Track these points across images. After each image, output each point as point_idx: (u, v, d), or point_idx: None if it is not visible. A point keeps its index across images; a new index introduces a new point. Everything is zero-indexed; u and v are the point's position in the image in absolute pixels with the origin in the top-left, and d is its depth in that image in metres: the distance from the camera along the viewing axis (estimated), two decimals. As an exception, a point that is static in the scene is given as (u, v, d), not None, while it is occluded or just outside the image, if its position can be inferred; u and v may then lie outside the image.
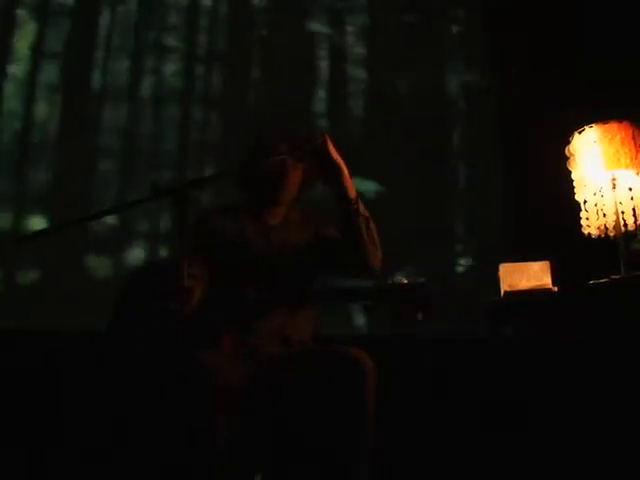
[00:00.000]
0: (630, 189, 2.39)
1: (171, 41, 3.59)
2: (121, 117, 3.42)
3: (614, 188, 2.39)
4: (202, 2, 3.68)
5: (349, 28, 3.84)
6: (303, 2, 3.83)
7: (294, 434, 1.93)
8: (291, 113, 3.33)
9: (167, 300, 1.72)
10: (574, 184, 2.47)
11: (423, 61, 3.87)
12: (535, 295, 2.31)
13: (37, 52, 3.42)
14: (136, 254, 3.20)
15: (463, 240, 3.65)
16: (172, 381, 1.76)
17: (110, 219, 3.17)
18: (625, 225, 2.36)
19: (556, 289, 2.32)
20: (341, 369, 1.83)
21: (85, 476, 2.68)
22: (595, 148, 2.38)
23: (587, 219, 2.44)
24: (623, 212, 2.37)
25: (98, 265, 3.17)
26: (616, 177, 2.39)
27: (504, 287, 2.37)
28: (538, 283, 2.33)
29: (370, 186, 3.45)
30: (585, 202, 2.45)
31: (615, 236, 2.35)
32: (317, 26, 3.79)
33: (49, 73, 3.40)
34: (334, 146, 1.97)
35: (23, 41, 3.41)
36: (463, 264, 3.57)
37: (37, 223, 3.06)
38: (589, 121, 2.44)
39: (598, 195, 2.43)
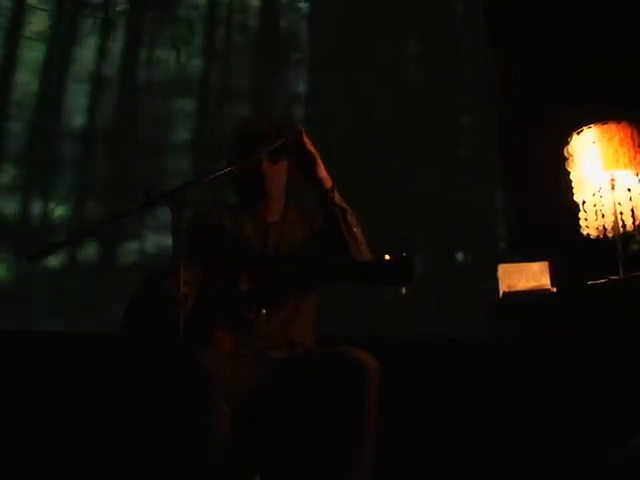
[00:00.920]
0: (629, 190, 2.39)
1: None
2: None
3: (613, 189, 2.39)
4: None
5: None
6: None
7: (295, 435, 1.94)
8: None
9: (165, 309, 1.76)
10: (573, 185, 2.48)
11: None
12: (534, 296, 2.31)
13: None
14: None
15: (463, 240, 3.66)
16: (173, 381, 1.77)
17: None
18: (624, 226, 2.36)
19: (555, 290, 2.32)
20: (343, 370, 1.83)
21: (86, 476, 2.69)
22: (594, 149, 2.39)
23: (586, 220, 2.44)
24: (622, 213, 2.38)
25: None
26: (615, 178, 2.39)
27: (503, 288, 2.37)
28: (537, 284, 2.33)
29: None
30: (584, 203, 2.46)
31: (614, 237, 2.36)
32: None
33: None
34: (309, 138, 1.99)
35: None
36: (462, 264, 3.58)
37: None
38: (588, 122, 2.44)
39: (597, 196, 2.43)
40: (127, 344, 2.04)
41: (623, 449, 2.19)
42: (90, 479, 2.68)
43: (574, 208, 2.48)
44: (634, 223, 2.36)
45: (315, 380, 1.88)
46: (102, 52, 3.46)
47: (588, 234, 2.44)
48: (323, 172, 2.00)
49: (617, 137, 2.37)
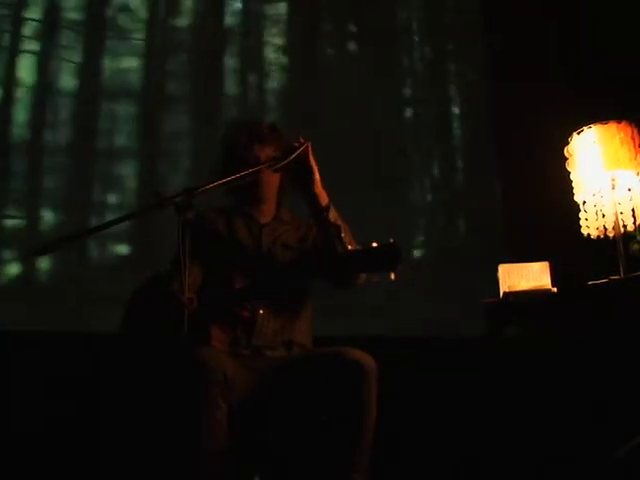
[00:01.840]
0: (629, 190, 2.38)
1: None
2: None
3: (613, 189, 2.38)
4: None
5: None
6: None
7: (293, 435, 1.93)
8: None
9: (170, 311, 1.77)
10: (573, 185, 2.47)
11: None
12: (534, 296, 2.30)
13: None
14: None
15: (463, 240, 3.65)
16: (171, 378, 1.78)
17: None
18: (624, 226, 2.35)
19: (555, 290, 2.31)
20: (342, 370, 1.83)
21: (85, 476, 2.69)
22: (594, 148, 2.38)
23: (586, 220, 2.43)
24: (622, 213, 2.37)
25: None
26: (615, 178, 2.39)
27: (503, 288, 2.36)
28: (537, 284, 2.32)
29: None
30: (584, 203, 2.45)
31: (614, 237, 2.35)
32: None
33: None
34: (313, 154, 1.99)
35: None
36: (463, 264, 3.57)
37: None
38: (588, 121, 2.44)
39: (597, 196, 2.42)
40: (127, 344, 2.04)
41: (624, 448, 2.19)
42: (91, 479, 2.69)
43: (574, 208, 2.47)
44: (635, 223, 2.35)
45: (314, 380, 1.88)
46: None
47: (588, 234, 2.43)
48: (320, 188, 2.00)
49: (618, 137, 2.36)
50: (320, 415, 1.87)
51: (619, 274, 2.22)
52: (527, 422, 2.81)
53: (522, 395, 2.87)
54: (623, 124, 2.38)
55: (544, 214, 3.26)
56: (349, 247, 1.92)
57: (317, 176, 2.00)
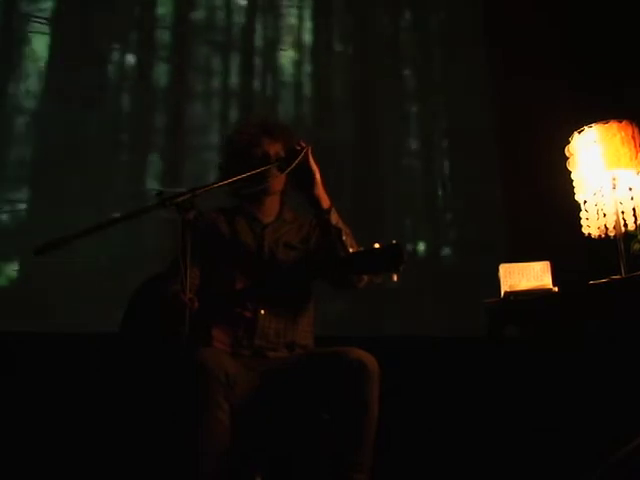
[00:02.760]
0: (630, 189, 2.38)
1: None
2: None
3: (614, 188, 2.38)
4: None
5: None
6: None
7: (295, 435, 1.93)
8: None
9: (171, 311, 1.77)
10: (574, 184, 2.47)
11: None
12: (535, 295, 2.30)
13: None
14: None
15: (463, 240, 3.65)
16: (173, 377, 1.77)
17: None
18: (625, 225, 2.35)
19: (556, 289, 2.31)
20: (344, 370, 1.83)
21: (86, 476, 2.68)
22: (595, 148, 2.37)
23: (587, 219, 2.43)
24: (623, 212, 2.36)
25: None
26: (616, 177, 2.38)
27: (504, 287, 2.36)
28: (538, 283, 2.32)
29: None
30: (585, 202, 2.45)
31: (615, 236, 2.34)
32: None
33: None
34: (313, 157, 1.99)
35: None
36: (463, 264, 3.57)
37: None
38: (589, 121, 2.44)
39: (598, 195, 2.42)
40: (127, 344, 2.04)
41: (624, 448, 2.19)
42: (91, 479, 2.68)
43: (575, 208, 2.47)
44: (635, 222, 2.34)
45: (316, 380, 1.88)
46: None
47: (589, 234, 2.43)
48: (320, 191, 2.00)
49: (618, 136, 2.36)
50: (322, 415, 1.87)
51: (620, 274, 2.22)
52: (527, 422, 2.80)
53: (522, 395, 2.87)
54: (624, 123, 2.38)
55: (545, 213, 3.26)
56: (350, 250, 1.92)
57: (318, 179, 2.00)
